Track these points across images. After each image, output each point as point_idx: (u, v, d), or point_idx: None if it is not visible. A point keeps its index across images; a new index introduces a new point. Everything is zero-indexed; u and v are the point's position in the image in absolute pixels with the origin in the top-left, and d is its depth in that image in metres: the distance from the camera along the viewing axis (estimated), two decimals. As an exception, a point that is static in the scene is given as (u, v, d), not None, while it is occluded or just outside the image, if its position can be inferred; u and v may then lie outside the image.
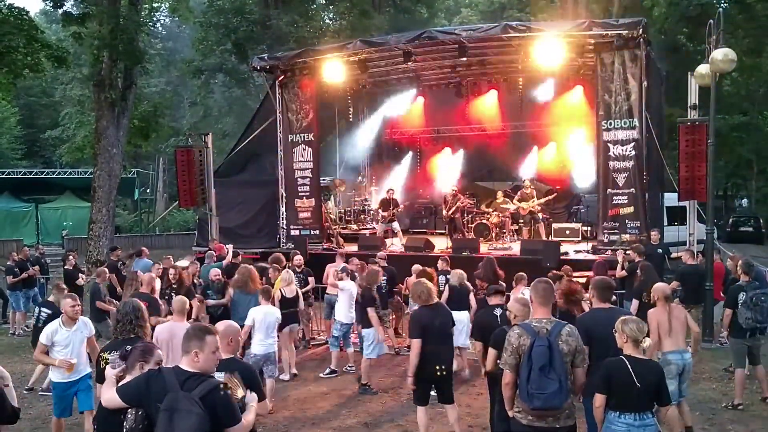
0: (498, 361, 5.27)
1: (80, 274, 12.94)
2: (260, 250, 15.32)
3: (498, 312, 6.35)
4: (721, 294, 10.39)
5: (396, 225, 17.30)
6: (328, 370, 9.40)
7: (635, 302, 9.00)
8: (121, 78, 20.46)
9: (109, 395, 3.83)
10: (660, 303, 6.37)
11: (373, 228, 18.97)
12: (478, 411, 7.46)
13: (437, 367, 6.17)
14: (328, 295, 11.06)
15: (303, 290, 10.52)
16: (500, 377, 5.05)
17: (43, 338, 6.21)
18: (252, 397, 4.02)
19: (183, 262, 12.21)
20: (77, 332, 6.30)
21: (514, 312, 5.31)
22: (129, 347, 3.95)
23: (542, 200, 16.58)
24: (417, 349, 6.07)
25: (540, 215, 16.58)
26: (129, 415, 3.68)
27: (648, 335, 4.73)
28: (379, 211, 17.88)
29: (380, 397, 8.39)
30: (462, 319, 8.64)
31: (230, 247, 12.69)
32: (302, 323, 11.26)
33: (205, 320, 8.97)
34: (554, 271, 9.24)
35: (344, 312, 9.46)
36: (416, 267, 10.56)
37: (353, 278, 9.83)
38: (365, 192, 20.93)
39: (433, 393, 6.42)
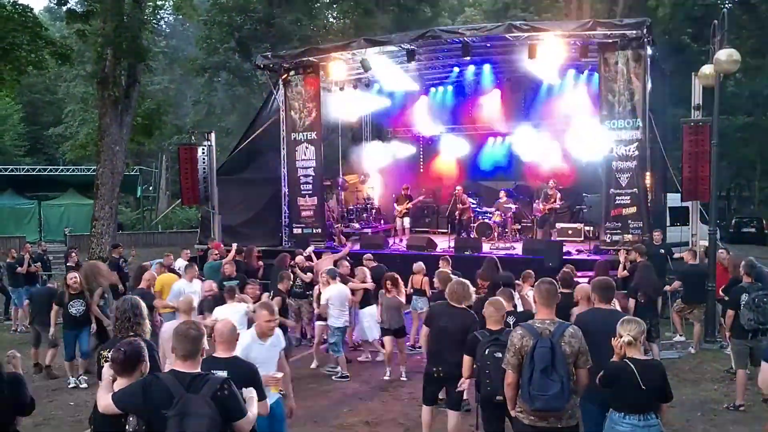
0: (475, 367, 5.27)
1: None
2: (262, 248, 15.33)
3: (511, 320, 6.11)
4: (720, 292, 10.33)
5: (407, 221, 17.50)
6: (340, 374, 9.32)
7: (631, 301, 8.99)
8: (124, 75, 20.46)
9: (105, 402, 3.82)
10: (582, 303, 6.27)
11: (376, 226, 19.04)
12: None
13: (434, 369, 6.10)
14: None
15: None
16: (482, 381, 5.10)
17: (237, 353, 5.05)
18: (249, 391, 4.04)
19: (180, 262, 12.29)
20: (273, 348, 5.37)
21: (485, 314, 5.40)
22: (122, 350, 3.94)
23: (561, 203, 16.50)
24: (423, 333, 6.45)
25: (552, 218, 16.54)
26: (131, 417, 3.69)
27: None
28: (395, 205, 17.94)
29: (381, 395, 8.39)
30: (371, 313, 9.65)
31: (234, 245, 12.74)
32: (303, 321, 11.28)
33: None
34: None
35: (336, 316, 9.25)
36: (417, 265, 10.68)
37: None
38: (368, 191, 20.94)
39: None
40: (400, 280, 9.54)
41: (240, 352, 4.99)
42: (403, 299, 9.40)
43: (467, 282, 6.45)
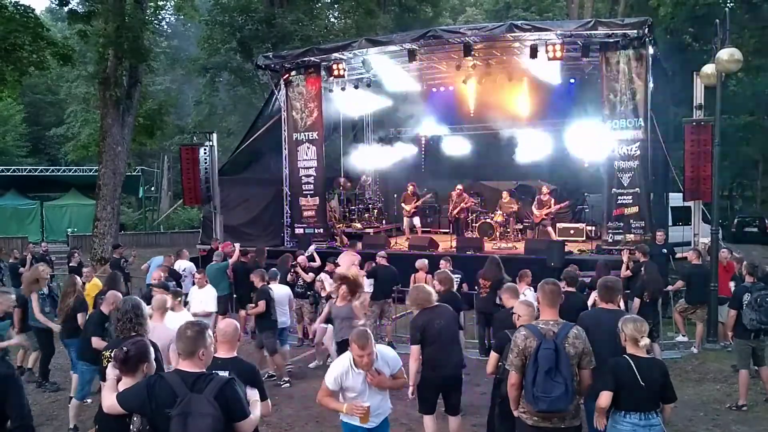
0: (500, 363, 5.27)
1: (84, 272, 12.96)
2: (265, 249, 15.34)
3: None
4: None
5: (417, 220, 17.48)
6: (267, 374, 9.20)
7: (636, 301, 9.01)
8: (126, 76, 20.51)
9: (109, 402, 3.84)
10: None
11: (378, 226, 19.03)
12: (482, 410, 7.45)
13: (436, 374, 5.97)
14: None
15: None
16: (504, 379, 5.04)
17: (328, 381, 4.71)
18: (253, 394, 4.05)
19: (184, 262, 12.31)
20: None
21: (519, 313, 5.29)
22: (125, 348, 3.95)
23: (556, 207, 16.50)
24: (414, 355, 5.85)
25: (546, 219, 16.54)
26: (135, 417, 3.70)
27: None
28: (403, 205, 17.93)
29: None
30: None
31: (237, 245, 12.76)
32: (305, 321, 11.29)
33: None
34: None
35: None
36: (421, 262, 10.69)
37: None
38: (369, 191, 20.94)
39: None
40: (362, 284, 7.98)
41: (333, 376, 4.65)
42: (358, 311, 7.67)
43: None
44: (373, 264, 11.46)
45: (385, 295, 10.90)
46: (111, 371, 4.01)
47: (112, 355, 4.11)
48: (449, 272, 8.51)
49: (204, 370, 3.70)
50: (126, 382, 3.88)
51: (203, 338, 3.76)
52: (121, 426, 3.79)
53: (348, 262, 11.70)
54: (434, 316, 5.90)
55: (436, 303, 6.05)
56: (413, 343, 5.91)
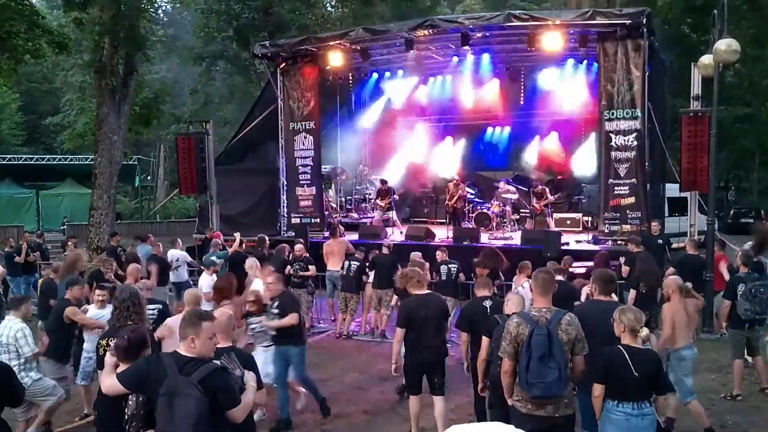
0: (491, 346, 5.37)
1: None
2: (266, 237, 15.32)
3: (488, 303, 6.23)
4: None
5: (393, 214, 17.38)
6: None
7: (632, 292, 9.00)
8: (122, 64, 20.37)
9: (109, 382, 3.88)
10: (675, 296, 6.32)
11: (373, 217, 19.04)
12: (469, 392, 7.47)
13: (416, 357, 6.21)
14: (329, 272, 11.50)
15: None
16: (493, 360, 5.14)
17: None
18: (250, 376, 4.06)
19: (176, 251, 12.31)
20: None
21: (513, 306, 5.41)
22: (127, 337, 3.98)
23: (553, 197, 16.60)
24: (398, 337, 6.20)
25: (546, 210, 16.60)
26: (130, 402, 3.74)
27: (645, 325, 4.71)
28: (377, 201, 17.94)
29: (380, 385, 8.40)
30: None
31: (237, 235, 12.81)
32: (302, 311, 11.30)
33: None
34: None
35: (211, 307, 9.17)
36: (415, 254, 10.64)
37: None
38: (366, 180, 20.92)
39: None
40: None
41: None
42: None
43: (416, 269, 6.70)
44: (377, 252, 11.45)
45: (382, 284, 10.82)
46: (110, 359, 4.05)
47: (112, 344, 4.14)
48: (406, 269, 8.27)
49: (196, 356, 3.70)
50: (124, 368, 3.92)
51: (195, 326, 3.75)
52: (118, 410, 3.86)
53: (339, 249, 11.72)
54: (422, 304, 6.14)
55: (427, 292, 6.37)
56: (398, 325, 6.22)
